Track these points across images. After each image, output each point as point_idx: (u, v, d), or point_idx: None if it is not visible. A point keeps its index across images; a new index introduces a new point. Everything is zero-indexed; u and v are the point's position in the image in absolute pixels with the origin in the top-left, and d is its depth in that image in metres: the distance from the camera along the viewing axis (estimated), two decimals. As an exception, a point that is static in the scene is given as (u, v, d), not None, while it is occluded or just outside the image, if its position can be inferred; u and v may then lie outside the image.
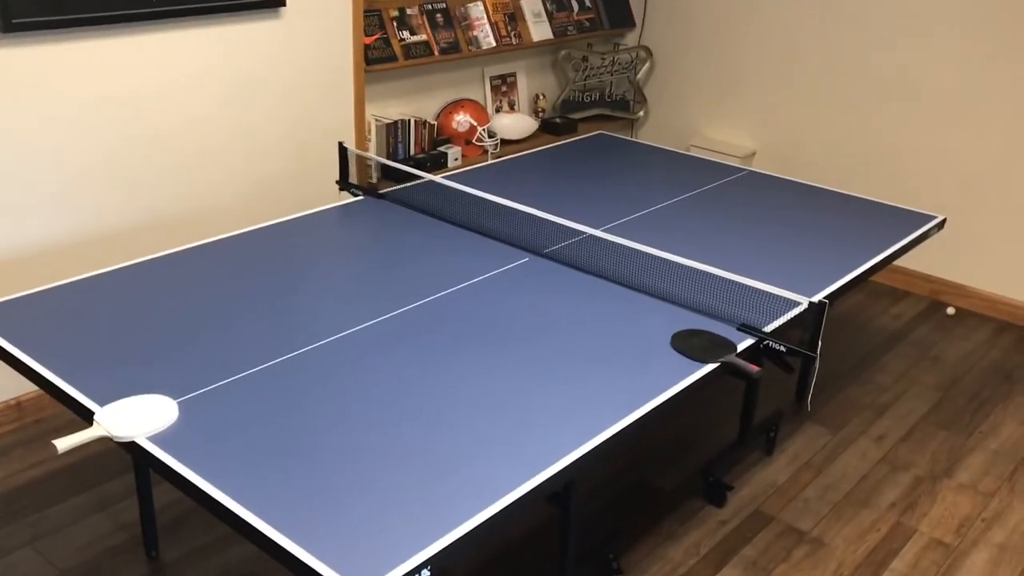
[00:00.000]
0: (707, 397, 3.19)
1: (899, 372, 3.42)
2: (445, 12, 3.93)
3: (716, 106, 4.54)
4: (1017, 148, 3.70)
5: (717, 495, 2.64)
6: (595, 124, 4.61)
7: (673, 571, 2.40)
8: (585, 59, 4.51)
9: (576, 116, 4.61)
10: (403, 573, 1.40)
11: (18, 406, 2.90)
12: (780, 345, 2.12)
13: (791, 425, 3.06)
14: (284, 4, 3.17)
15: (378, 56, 3.63)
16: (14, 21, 2.53)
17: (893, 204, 3.11)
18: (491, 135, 4.09)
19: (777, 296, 2.33)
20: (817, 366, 2.26)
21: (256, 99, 3.23)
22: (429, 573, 1.44)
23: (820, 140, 4.23)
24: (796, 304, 2.29)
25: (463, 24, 4.01)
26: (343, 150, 2.96)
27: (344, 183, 2.99)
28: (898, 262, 4.13)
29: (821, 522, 2.60)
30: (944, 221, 3.02)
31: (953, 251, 3.97)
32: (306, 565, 1.42)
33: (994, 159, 3.76)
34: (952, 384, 3.36)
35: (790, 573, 2.40)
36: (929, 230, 2.93)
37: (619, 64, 4.60)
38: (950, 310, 3.94)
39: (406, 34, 3.77)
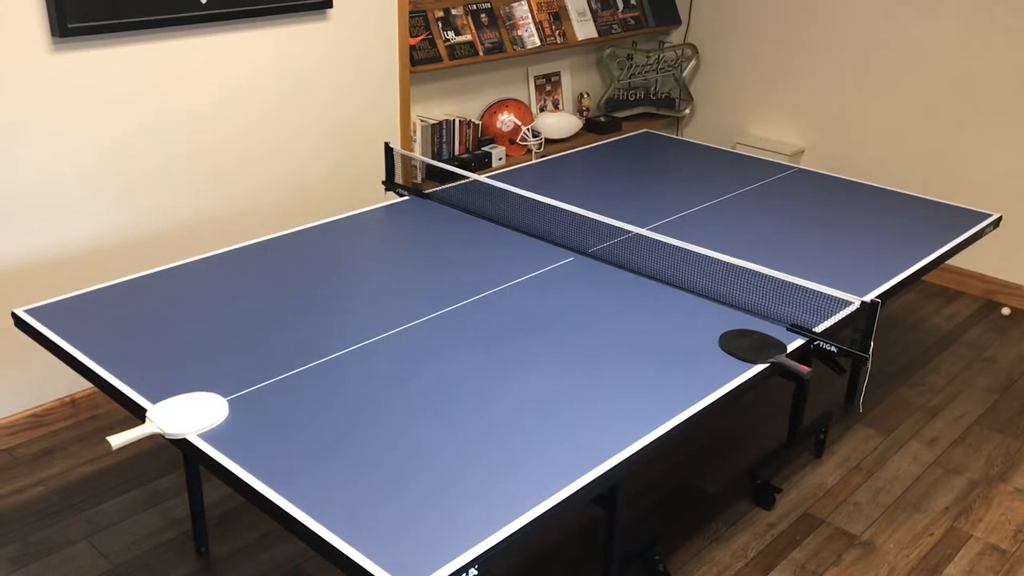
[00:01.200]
0: (755, 398, 3.15)
1: (952, 374, 3.35)
2: (490, 12, 3.94)
3: (763, 103, 4.49)
4: (1076, 144, 3.60)
5: (765, 497, 2.60)
6: (640, 122, 4.59)
7: (720, 574, 2.37)
8: (630, 57, 4.48)
9: (621, 115, 4.59)
10: (450, 572, 1.40)
11: (73, 403, 2.96)
12: (831, 345, 2.09)
13: (841, 427, 3.01)
14: (331, 6, 3.20)
15: (423, 57, 3.65)
16: (70, 26, 2.58)
17: (947, 202, 3.05)
18: (535, 134, 4.09)
19: (827, 295, 2.29)
20: (869, 367, 2.22)
21: (303, 100, 3.26)
22: (476, 572, 1.44)
23: (870, 137, 4.16)
24: (847, 304, 2.26)
25: (507, 24, 4.01)
26: (389, 150, 2.97)
27: (390, 183, 3.01)
28: (952, 261, 4.04)
29: (872, 526, 2.56)
30: (999, 219, 2.95)
31: (1008, 250, 3.88)
32: (354, 562, 1.42)
33: (1051, 156, 3.67)
34: (1007, 386, 3.29)
35: (840, 577, 2.37)
36: (984, 228, 2.86)
37: (664, 62, 4.57)
38: (1005, 310, 3.85)
39: (451, 34, 3.78)
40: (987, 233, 2.94)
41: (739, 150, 4.39)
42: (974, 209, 3.00)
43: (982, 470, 2.82)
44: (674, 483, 2.71)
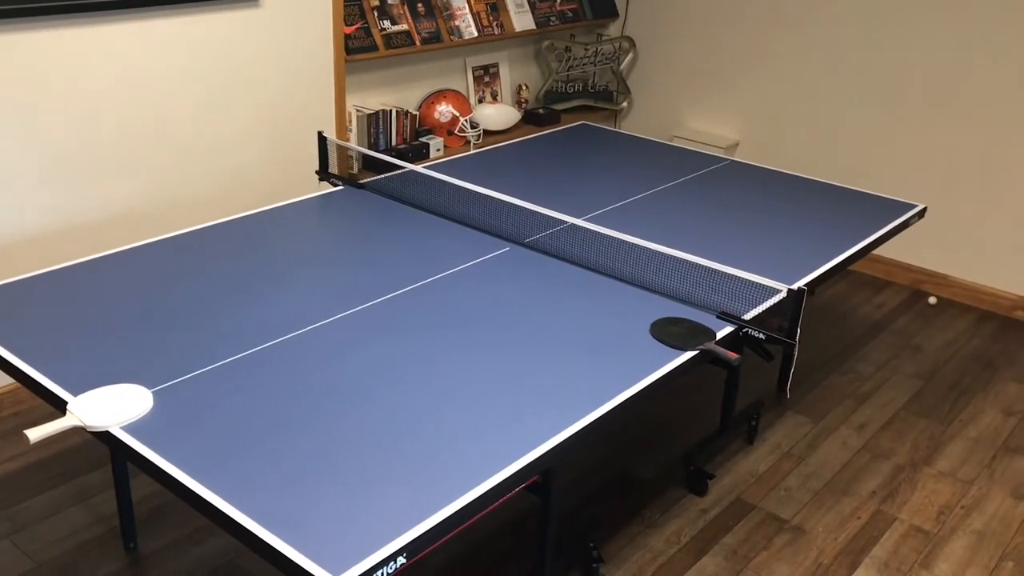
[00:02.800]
0: (689, 387, 3.19)
1: (880, 361, 3.43)
2: (427, 1, 3.91)
3: (700, 97, 4.54)
4: (998, 139, 3.71)
5: (698, 484, 2.64)
6: (578, 115, 4.60)
7: (654, 559, 2.40)
8: (568, 49, 4.50)
9: (559, 107, 4.60)
10: (378, 559, 1.39)
11: (-5, 399, 2.88)
12: (759, 332, 2.12)
13: (773, 414, 3.06)
14: (263, -7, 3.15)
15: (359, 46, 3.61)
16: (-13, 9, 2.50)
17: (874, 193, 3.12)
18: (473, 126, 4.08)
19: (757, 284, 2.33)
20: (796, 354, 2.26)
21: (235, 88, 3.21)
22: (405, 559, 1.43)
23: (803, 131, 4.24)
24: (776, 292, 2.29)
25: (445, 14, 3.99)
26: (322, 139, 2.94)
27: (324, 173, 2.97)
28: (880, 252, 4.14)
29: (802, 510, 2.61)
30: (924, 210, 3.03)
31: (935, 241, 3.98)
32: (282, 555, 1.41)
33: (975, 149, 3.77)
34: (933, 373, 3.38)
35: (770, 561, 2.41)
36: (910, 219, 2.93)
37: (602, 55, 4.60)
38: (932, 299, 3.95)
39: (387, 23, 3.74)
40: (913, 223, 3.01)
41: (676, 143, 4.42)
42: (900, 200, 3.07)
43: (908, 454, 2.89)
44: (608, 471, 2.73)
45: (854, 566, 2.41)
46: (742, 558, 2.41)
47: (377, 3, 3.73)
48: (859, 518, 2.59)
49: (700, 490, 2.64)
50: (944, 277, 3.99)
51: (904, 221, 2.90)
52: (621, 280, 2.35)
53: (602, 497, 2.62)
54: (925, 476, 2.79)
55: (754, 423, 2.88)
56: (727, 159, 3.42)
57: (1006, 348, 3.58)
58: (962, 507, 2.66)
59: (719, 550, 2.44)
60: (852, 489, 2.71)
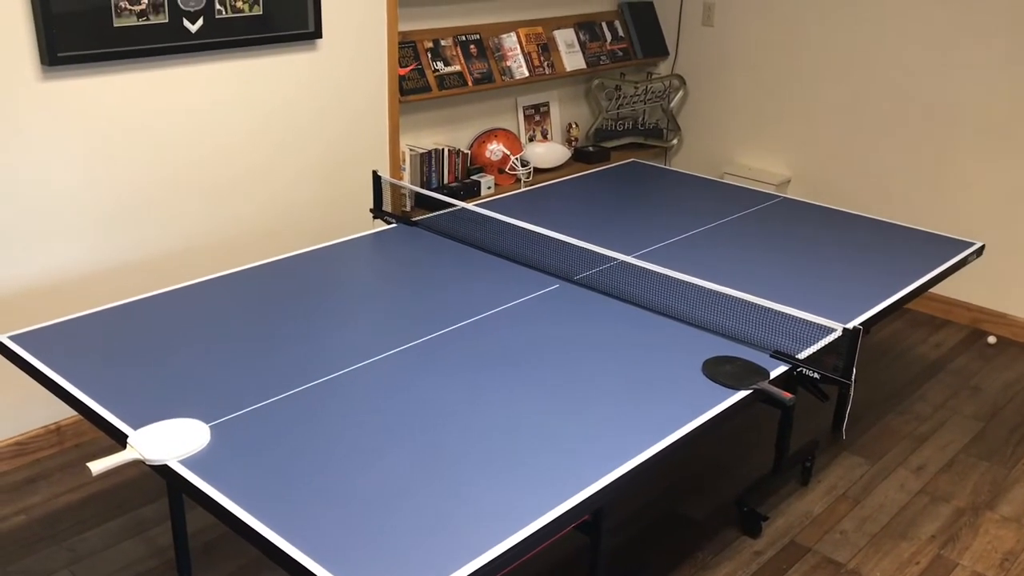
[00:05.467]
0: (742, 427, 3.15)
1: (939, 402, 3.36)
2: (479, 43, 3.98)
3: (750, 133, 4.53)
4: (1058, 174, 3.64)
5: (752, 525, 2.60)
6: (628, 152, 4.62)
7: (706, 602, 2.36)
8: (618, 88, 4.53)
9: (609, 145, 4.62)
10: (430, 599, 1.40)
11: (58, 431, 2.95)
12: (814, 372, 2.10)
13: (828, 455, 3.01)
14: (320, 36, 3.23)
15: (412, 87, 3.68)
16: (59, 55, 2.60)
17: (931, 231, 3.07)
18: (524, 164, 4.11)
19: (811, 323, 2.30)
20: (852, 393, 2.23)
21: (293, 129, 3.28)
22: (456, 599, 1.44)
23: (856, 167, 4.20)
24: (831, 331, 2.27)
25: (496, 55, 4.05)
26: (377, 178, 2.99)
27: (378, 211, 3.02)
28: (938, 290, 4.07)
29: (858, 554, 2.55)
30: (983, 248, 2.97)
31: (994, 279, 3.90)
32: (333, 589, 1.42)
33: (1034, 185, 3.71)
34: (993, 414, 3.29)
35: (827, 606, 2.36)
36: (967, 256, 2.89)
37: (652, 93, 4.62)
38: (991, 339, 3.86)
39: (440, 65, 3.81)
40: (971, 261, 2.96)
41: (727, 180, 4.42)
42: (958, 238, 3.02)
43: (968, 498, 2.82)
44: (660, 512, 2.70)
45: (914, 613, 2.35)
46: (797, 602, 2.36)
47: (431, 45, 3.81)
48: (918, 563, 2.53)
49: (753, 532, 2.60)
50: (1003, 316, 3.90)
51: (961, 259, 2.85)
52: (672, 318, 2.34)
53: (653, 538, 2.59)
54: (987, 521, 2.71)
55: (809, 464, 2.83)
56: (779, 196, 3.40)
57: (1071, 389, 3.48)
58: (1027, 554, 2.58)
59: (773, 594, 2.39)
60: (911, 533, 2.65)
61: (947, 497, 2.82)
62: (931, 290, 4.06)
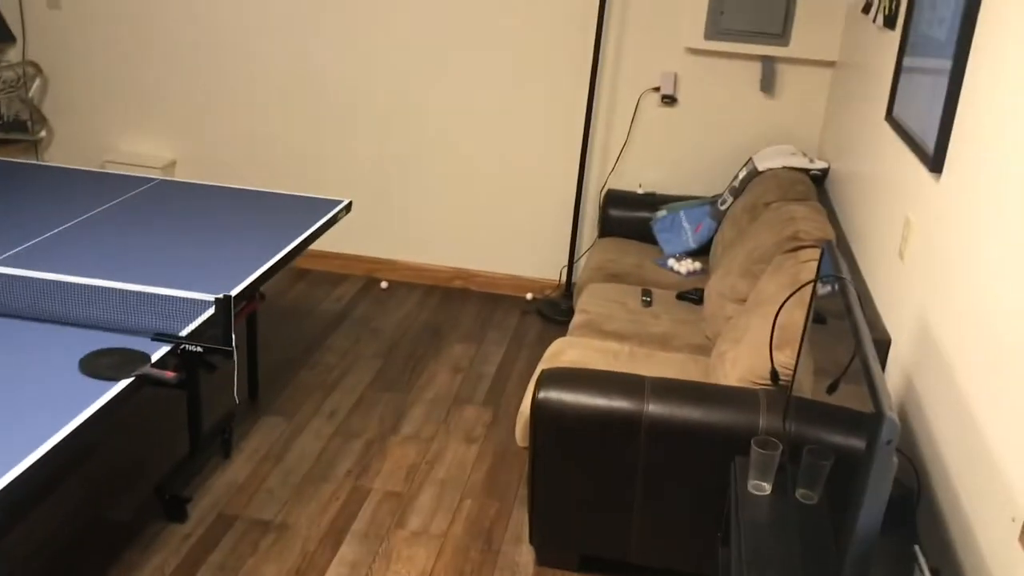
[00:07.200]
0: (154, 417, 3.08)
1: (344, 349, 3.65)
2: None
3: (129, 119, 4.37)
4: (414, 136, 4.13)
5: (175, 510, 2.57)
6: (-10, 150, 4.16)
7: (140, 601, 2.29)
8: (-38, 80, 4.02)
9: (-35, 144, 4.10)
10: None
11: None
12: (196, 346, 2.13)
13: (248, 422, 3.09)
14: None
15: None
16: None
17: (306, 195, 3.29)
18: None
19: (187, 299, 2.32)
20: (236, 359, 2.31)
21: None
22: None
23: (241, 144, 4.30)
24: (208, 304, 2.31)
25: None
26: None
27: None
28: (335, 248, 4.38)
29: (284, 507, 2.68)
30: (351, 204, 3.27)
31: (380, 232, 4.32)
32: None
33: (395, 148, 4.16)
34: (391, 350, 3.68)
35: (259, 565, 2.44)
36: (337, 213, 3.15)
37: (5, 82, 4.19)
38: (383, 284, 4.29)
39: None
40: (342, 217, 3.23)
41: (108, 168, 4.22)
42: (329, 198, 3.28)
43: (376, 429, 3.12)
44: (84, 521, 2.54)
45: (337, 544, 2.54)
46: (231, 570, 2.41)
47: None
48: (338, 499, 2.74)
49: (179, 517, 2.57)
50: (392, 262, 4.35)
51: (333, 216, 3.10)
52: (41, 320, 2.18)
53: (78, 551, 2.43)
54: (392, 444, 3.04)
55: (227, 436, 2.88)
56: (155, 179, 3.35)
57: (449, 315, 4.02)
58: (427, 463, 2.95)
59: (206, 570, 2.40)
60: (329, 474, 2.85)
61: (358, 433, 3.09)
62: (329, 249, 4.36)
